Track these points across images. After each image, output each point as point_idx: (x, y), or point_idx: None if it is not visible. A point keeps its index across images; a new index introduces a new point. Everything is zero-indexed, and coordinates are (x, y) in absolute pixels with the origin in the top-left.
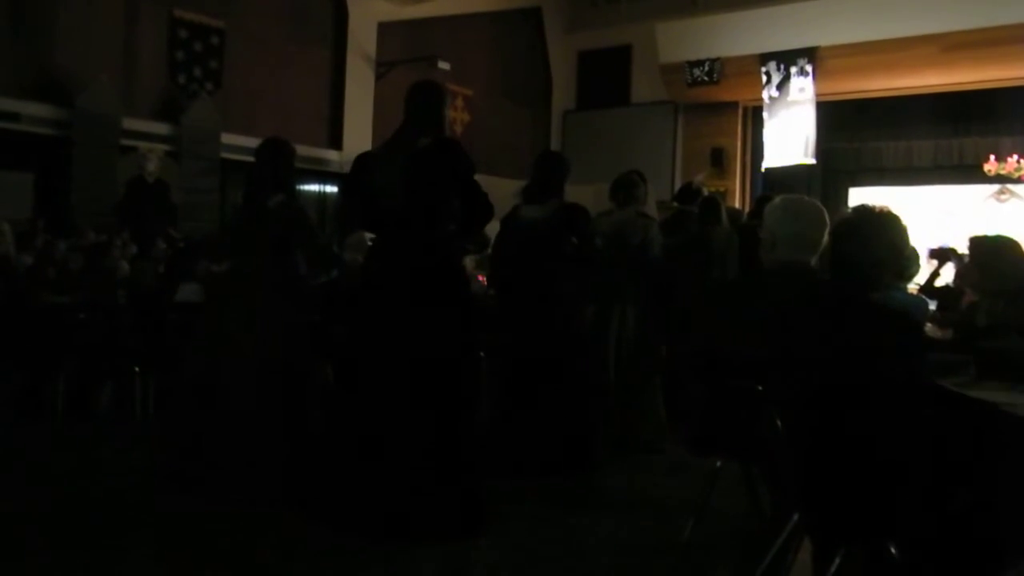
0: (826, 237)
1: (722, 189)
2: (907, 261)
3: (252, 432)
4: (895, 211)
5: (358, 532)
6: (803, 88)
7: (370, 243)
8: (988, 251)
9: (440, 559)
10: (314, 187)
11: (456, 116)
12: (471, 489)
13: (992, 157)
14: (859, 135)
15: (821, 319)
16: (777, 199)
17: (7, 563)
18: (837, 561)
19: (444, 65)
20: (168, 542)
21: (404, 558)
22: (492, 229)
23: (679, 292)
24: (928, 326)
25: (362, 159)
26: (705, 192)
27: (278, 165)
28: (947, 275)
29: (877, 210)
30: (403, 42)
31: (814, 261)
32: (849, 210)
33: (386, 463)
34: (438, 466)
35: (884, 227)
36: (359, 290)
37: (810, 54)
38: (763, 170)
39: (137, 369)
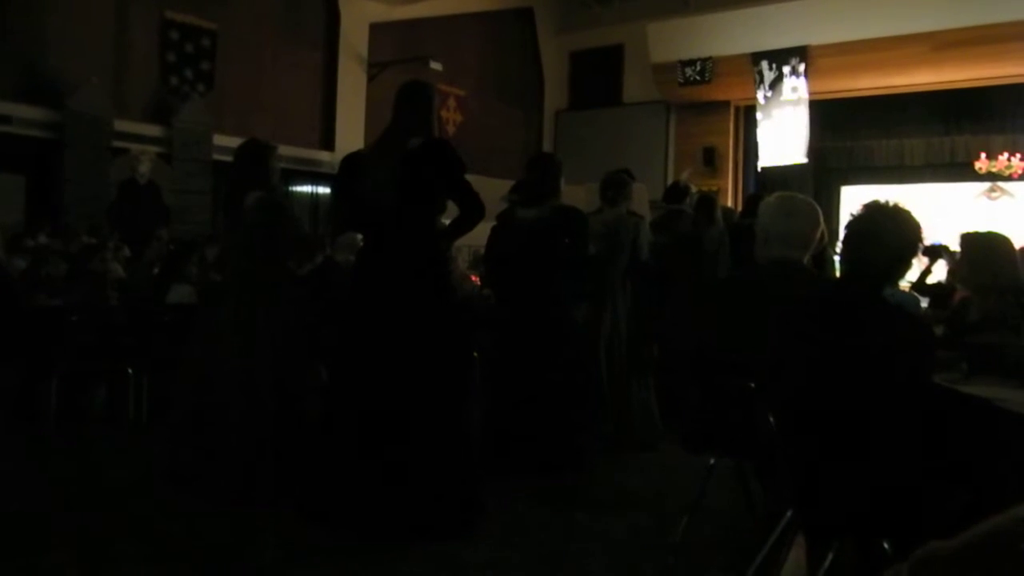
0: (819, 235)
1: (714, 188)
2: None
3: (247, 433)
4: (906, 207)
5: (354, 531)
6: (796, 88)
7: (361, 243)
8: (979, 248)
9: (436, 558)
10: (307, 188)
11: (448, 116)
12: (467, 488)
13: (983, 155)
14: (851, 134)
15: (831, 318)
16: (773, 196)
17: (4, 565)
18: (830, 557)
19: (436, 66)
20: (165, 543)
21: (400, 557)
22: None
23: (671, 290)
24: None
25: (351, 160)
26: (693, 189)
27: (256, 164)
28: (939, 272)
29: (891, 206)
30: (395, 43)
31: (806, 259)
32: (861, 207)
33: (381, 462)
34: (434, 465)
35: (898, 224)
36: (350, 291)
37: (802, 53)
38: (759, 170)
39: (130, 371)
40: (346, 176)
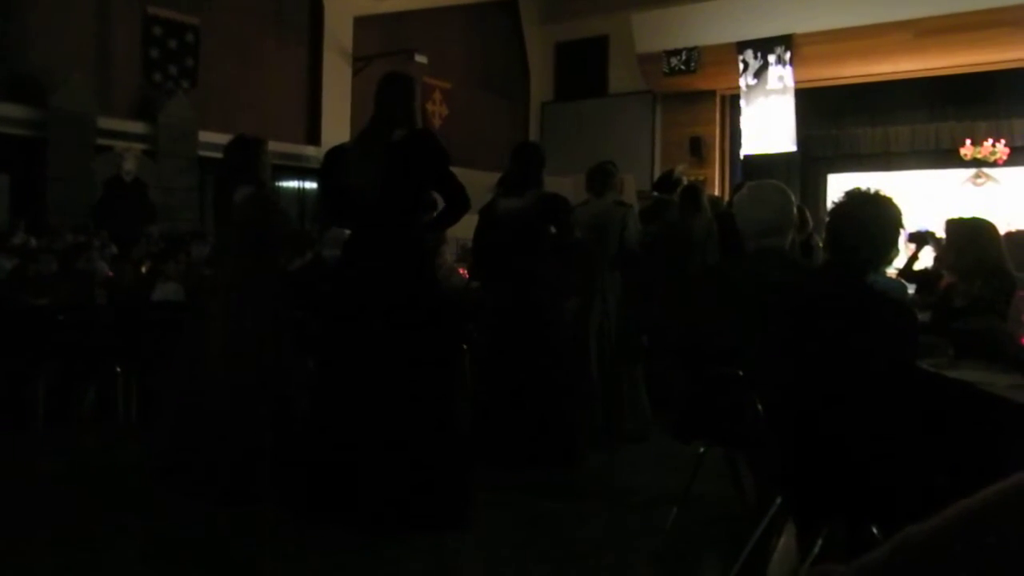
0: (793, 217)
1: (701, 177)
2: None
3: (238, 430)
4: (887, 194)
5: (346, 525)
6: (781, 76)
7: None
8: (965, 233)
9: (428, 551)
10: (293, 183)
11: (434, 109)
12: (457, 480)
13: (968, 141)
14: (836, 122)
15: (815, 305)
16: (744, 188)
17: None
18: (820, 542)
19: (421, 58)
20: (158, 541)
21: (393, 551)
22: (468, 221)
23: (659, 280)
24: None
25: (334, 154)
26: (685, 181)
27: (245, 159)
28: (926, 258)
29: (872, 193)
30: (379, 36)
31: (787, 244)
32: (843, 194)
33: (370, 455)
34: (423, 455)
35: (879, 210)
36: (336, 284)
37: (787, 42)
38: (742, 158)
39: (119, 370)
40: (330, 170)
